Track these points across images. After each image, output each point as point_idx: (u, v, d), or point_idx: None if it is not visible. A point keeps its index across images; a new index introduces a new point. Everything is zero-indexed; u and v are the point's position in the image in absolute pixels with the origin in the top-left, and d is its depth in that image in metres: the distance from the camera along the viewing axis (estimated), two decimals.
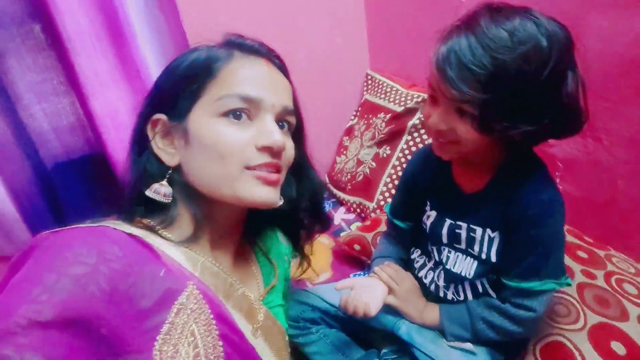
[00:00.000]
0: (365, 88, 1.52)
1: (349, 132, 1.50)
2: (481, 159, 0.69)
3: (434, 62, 0.61)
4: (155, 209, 0.57)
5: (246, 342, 0.58)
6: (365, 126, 1.40)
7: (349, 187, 1.38)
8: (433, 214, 0.79)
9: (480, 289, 0.76)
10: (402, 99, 1.30)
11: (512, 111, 0.57)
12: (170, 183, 0.58)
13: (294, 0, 1.38)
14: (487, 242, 0.72)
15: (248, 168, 0.55)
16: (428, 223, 0.80)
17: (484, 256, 0.73)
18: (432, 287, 0.81)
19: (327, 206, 1.46)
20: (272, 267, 0.73)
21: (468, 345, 0.74)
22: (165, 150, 0.58)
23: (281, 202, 0.66)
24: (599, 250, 0.90)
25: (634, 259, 0.91)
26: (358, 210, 1.35)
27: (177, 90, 0.57)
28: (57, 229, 0.49)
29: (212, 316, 0.53)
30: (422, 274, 0.84)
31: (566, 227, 0.97)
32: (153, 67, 1.08)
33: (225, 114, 0.55)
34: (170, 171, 0.58)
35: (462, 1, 1.12)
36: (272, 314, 0.67)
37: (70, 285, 0.42)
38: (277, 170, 0.58)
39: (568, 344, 0.73)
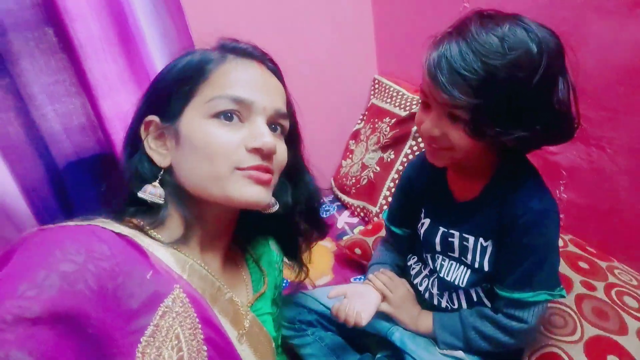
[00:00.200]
0: (372, 92, 1.52)
1: (355, 135, 1.50)
2: (474, 165, 0.69)
3: (426, 68, 0.61)
4: (145, 209, 0.58)
5: (231, 347, 0.57)
6: (371, 130, 1.41)
7: (353, 191, 1.39)
8: (427, 221, 0.79)
9: (475, 298, 0.76)
10: (407, 103, 1.30)
11: (504, 116, 0.58)
12: (161, 184, 0.58)
13: (302, 6, 1.39)
14: (480, 251, 0.72)
15: (238, 169, 0.55)
16: (422, 231, 0.80)
17: (476, 265, 0.72)
18: (427, 294, 0.81)
19: (332, 209, 1.47)
20: (262, 274, 0.73)
21: (460, 354, 0.74)
22: (157, 151, 0.59)
23: (277, 207, 0.66)
24: (601, 262, 0.88)
25: (637, 270, 0.89)
26: (362, 214, 1.35)
27: (170, 92, 0.58)
28: (46, 227, 0.49)
29: (197, 320, 0.52)
30: (417, 281, 0.84)
31: (569, 236, 0.96)
32: None
33: (217, 116, 0.55)
34: (162, 172, 0.59)
35: (466, 6, 1.12)
36: (259, 320, 0.66)
37: (58, 282, 0.41)
38: (267, 171, 0.58)
39: (563, 355, 0.73)
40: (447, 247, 0.76)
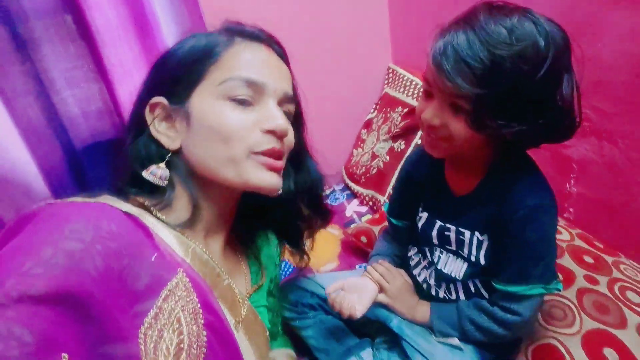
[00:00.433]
0: (386, 81, 1.52)
1: (368, 125, 1.50)
2: (472, 158, 0.69)
3: (431, 56, 0.61)
4: (151, 190, 0.57)
5: (230, 334, 0.57)
6: (383, 120, 1.40)
7: (363, 180, 1.40)
8: (424, 215, 0.80)
9: (473, 289, 0.76)
10: (419, 93, 1.30)
11: (506, 109, 0.57)
12: (168, 166, 0.58)
13: None
14: (476, 244, 0.72)
15: (253, 153, 0.56)
16: (420, 224, 0.81)
17: (473, 258, 0.73)
18: (425, 285, 0.82)
19: (341, 198, 1.48)
20: (261, 267, 0.74)
21: (455, 341, 0.75)
22: (165, 134, 0.58)
23: (280, 192, 0.67)
24: (607, 256, 0.87)
25: None
26: (370, 203, 1.36)
27: (177, 74, 0.58)
28: (54, 201, 0.49)
29: (199, 305, 0.52)
30: (416, 272, 0.84)
31: (577, 230, 0.95)
32: None
33: (229, 98, 0.56)
34: (169, 155, 0.58)
35: None
36: (255, 310, 0.67)
37: (65, 260, 0.41)
38: (280, 157, 0.60)
39: (560, 347, 0.73)
40: (444, 241, 0.77)
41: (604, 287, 0.79)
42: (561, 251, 0.86)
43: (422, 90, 0.67)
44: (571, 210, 1.02)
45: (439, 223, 0.77)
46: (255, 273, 0.73)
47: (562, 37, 0.58)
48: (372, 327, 0.88)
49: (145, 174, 0.57)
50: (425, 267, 0.83)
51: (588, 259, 0.85)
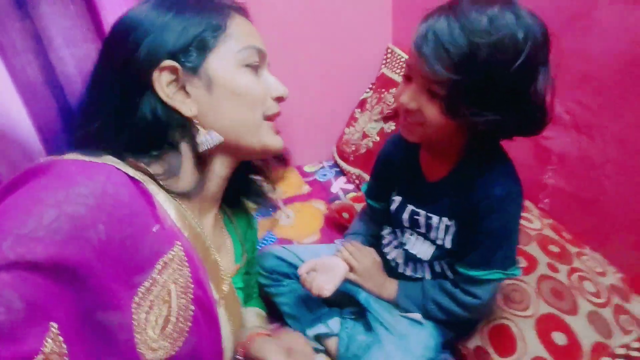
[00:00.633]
0: (384, 61, 1.52)
1: (362, 104, 1.52)
2: (446, 145, 0.71)
3: (413, 40, 0.62)
4: (156, 157, 0.56)
5: (214, 310, 0.58)
6: (377, 100, 1.42)
7: (352, 158, 1.42)
8: (398, 198, 0.82)
9: (438, 270, 0.80)
10: None
11: (480, 97, 0.59)
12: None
13: None
14: (444, 229, 0.75)
15: (266, 117, 0.61)
16: (393, 207, 0.83)
17: (440, 242, 0.76)
18: (394, 264, 0.86)
19: (329, 174, 1.51)
20: (243, 247, 0.76)
21: (417, 316, 0.79)
22: (177, 99, 0.55)
23: None
24: (572, 247, 0.90)
25: (609, 259, 0.91)
26: (357, 181, 1.39)
27: (188, 39, 0.55)
28: (59, 158, 0.48)
29: (190, 279, 0.53)
30: (387, 250, 0.88)
31: (549, 220, 0.98)
32: None
33: (245, 65, 0.58)
34: (194, 122, 0.56)
35: None
36: (235, 288, 0.69)
37: (67, 226, 0.40)
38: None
39: (514, 328, 0.77)
40: (414, 224, 0.80)
41: (563, 275, 0.83)
42: (529, 239, 0.90)
43: (403, 74, 0.68)
44: (546, 201, 1.04)
45: (410, 207, 0.79)
46: (237, 254, 0.74)
47: (541, 32, 0.58)
48: (342, 299, 0.92)
49: (204, 144, 0.56)
50: (395, 246, 0.86)
51: (553, 248, 0.89)
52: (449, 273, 0.79)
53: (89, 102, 0.59)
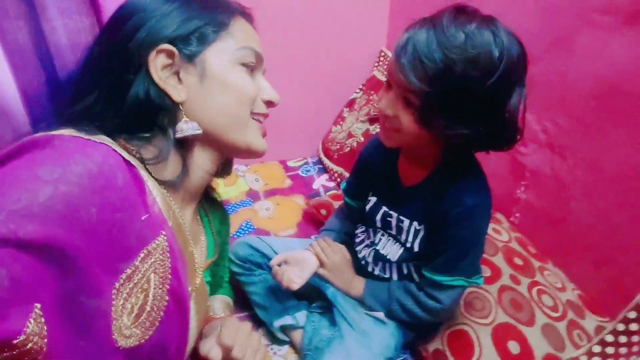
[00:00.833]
0: (376, 64, 1.54)
1: (351, 104, 1.54)
2: (420, 153, 0.74)
3: (394, 48, 0.64)
4: (147, 140, 0.56)
5: (186, 302, 0.59)
6: (365, 101, 1.44)
7: (336, 156, 1.44)
8: (373, 199, 0.85)
9: (406, 271, 0.83)
10: None
11: (452, 110, 0.60)
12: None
13: None
14: (413, 233, 0.77)
15: (253, 116, 0.62)
16: (367, 207, 0.86)
17: (408, 245, 0.79)
18: (363, 262, 0.88)
19: (312, 170, 1.53)
20: (215, 242, 0.77)
21: (380, 315, 0.81)
22: (169, 83, 0.56)
23: None
24: (536, 261, 0.94)
25: (569, 276, 0.95)
26: (339, 179, 1.41)
27: (190, 29, 0.56)
28: (57, 133, 0.47)
29: (169, 270, 0.53)
30: (359, 249, 0.90)
31: (517, 234, 1.02)
32: None
33: (241, 64, 0.60)
34: (180, 107, 0.56)
35: None
36: (205, 281, 0.70)
37: (61, 206, 0.40)
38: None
39: (472, 334, 0.80)
40: (386, 225, 0.82)
41: (523, 288, 0.86)
42: (496, 249, 0.93)
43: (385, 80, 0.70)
44: (517, 215, 1.08)
45: (384, 208, 0.82)
46: (210, 248, 0.75)
47: (518, 53, 0.60)
48: (311, 293, 0.94)
49: (182, 132, 0.56)
50: (367, 245, 0.89)
51: (518, 261, 0.92)
52: (415, 276, 0.82)
53: (84, 76, 0.59)
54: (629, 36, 0.78)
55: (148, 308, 0.50)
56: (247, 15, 0.65)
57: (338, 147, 1.44)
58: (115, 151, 0.48)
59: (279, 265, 0.85)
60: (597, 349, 0.69)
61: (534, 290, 0.86)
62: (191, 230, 0.67)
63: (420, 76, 0.60)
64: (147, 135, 0.56)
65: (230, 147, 0.62)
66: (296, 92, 1.50)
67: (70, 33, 1.21)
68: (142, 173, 0.53)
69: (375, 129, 1.34)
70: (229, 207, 1.31)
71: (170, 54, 0.55)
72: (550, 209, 1.00)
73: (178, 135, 0.56)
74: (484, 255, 0.91)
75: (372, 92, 1.43)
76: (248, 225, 1.23)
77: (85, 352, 0.44)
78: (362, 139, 1.36)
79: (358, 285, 0.85)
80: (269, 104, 0.65)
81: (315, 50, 1.50)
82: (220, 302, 0.80)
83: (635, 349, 0.67)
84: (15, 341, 0.36)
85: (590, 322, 0.86)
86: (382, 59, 1.53)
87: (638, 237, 0.83)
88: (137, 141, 0.55)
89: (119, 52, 0.55)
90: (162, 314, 0.53)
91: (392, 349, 0.80)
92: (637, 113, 0.79)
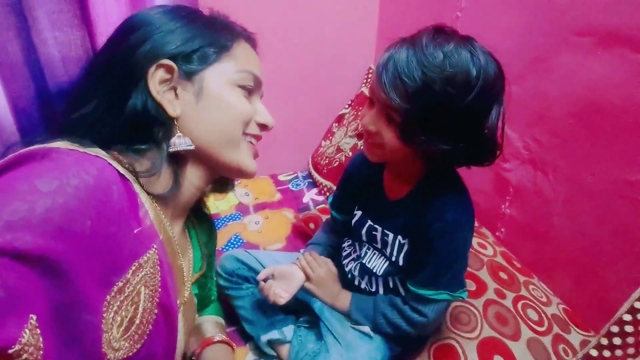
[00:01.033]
0: (364, 81, 1.57)
1: (340, 119, 1.56)
2: (404, 168, 0.75)
3: (376, 66, 0.65)
4: (141, 153, 0.57)
5: (175, 315, 0.60)
6: (354, 117, 1.46)
7: (325, 171, 1.45)
8: (359, 213, 0.85)
9: (391, 285, 0.83)
10: None
11: (432, 127, 0.62)
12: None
13: None
14: (398, 247, 0.78)
15: (246, 136, 0.64)
16: (353, 220, 0.87)
17: (393, 259, 0.79)
18: (350, 275, 0.89)
19: (302, 184, 1.54)
20: (203, 256, 0.78)
21: (366, 329, 0.81)
22: (165, 97, 0.57)
23: None
24: (521, 276, 0.95)
25: (553, 290, 0.96)
26: (328, 194, 1.42)
27: (190, 48, 0.58)
28: (53, 145, 0.48)
29: (159, 284, 0.54)
30: (345, 262, 0.91)
31: (502, 249, 1.03)
32: None
33: (240, 87, 0.62)
34: (175, 122, 0.57)
35: (458, 15, 1.15)
36: (193, 294, 0.71)
37: (58, 218, 0.40)
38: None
39: (458, 348, 0.80)
40: (371, 239, 0.83)
41: (509, 302, 0.87)
42: (481, 264, 0.94)
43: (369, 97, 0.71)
44: (502, 230, 1.10)
45: (369, 222, 0.82)
46: (196, 261, 0.76)
47: (495, 71, 0.62)
48: (299, 307, 0.94)
49: (176, 146, 0.57)
50: (353, 259, 0.89)
51: (503, 275, 0.93)
52: (401, 289, 0.82)
53: (85, 83, 0.60)
54: (604, 56, 0.81)
55: (137, 321, 0.51)
56: (250, 40, 0.68)
57: (327, 161, 1.46)
58: (111, 165, 0.49)
59: (266, 279, 0.86)
60: None
61: (519, 304, 0.87)
62: (180, 243, 0.67)
63: (401, 94, 0.61)
64: (142, 147, 0.57)
65: (221, 165, 0.63)
66: (287, 107, 1.52)
67: (61, 46, 1.22)
68: (135, 186, 0.53)
69: (363, 144, 1.35)
70: (219, 220, 1.31)
71: (169, 70, 0.57)
72: (534, 223, 1.02)
73: (171, 149, 0.57)
74: (470, 270, 0.92)
75: (361, 108, 1.45)
76: (237, 239, 1.23)
77: None
78: (350, 153, 1.38)
79: (344, 298, 0.86)
80: (263, 127, 0.66)
81: (305, 67, 1.53)
82: (212, 323, 0.80)
83: None
84: (10, 351, 0.37)
85: (576, 336, 0.87)
86: (370, 76, 1.56)
87: (618, 251, 0.84)
88: (131, 153, 0.56)
89: (122, 61, 0.57)
90: (150, 326, 0.53)
91: None
92: (614, 129, 0.82)
